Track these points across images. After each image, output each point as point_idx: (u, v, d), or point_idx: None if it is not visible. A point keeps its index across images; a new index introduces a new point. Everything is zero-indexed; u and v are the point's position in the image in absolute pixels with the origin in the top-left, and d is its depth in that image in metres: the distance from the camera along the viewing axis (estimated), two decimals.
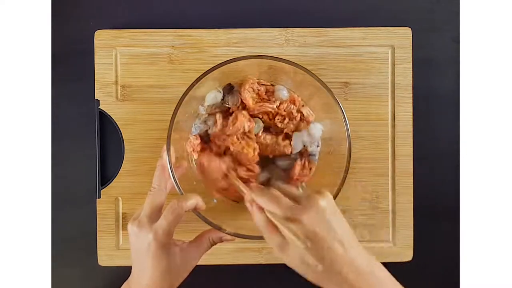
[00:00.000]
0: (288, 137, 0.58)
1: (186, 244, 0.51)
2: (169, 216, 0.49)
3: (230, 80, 0.58)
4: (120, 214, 0.61)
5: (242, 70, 0.57)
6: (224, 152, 0.58)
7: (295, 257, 0.44)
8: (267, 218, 0.46)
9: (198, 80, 0.52)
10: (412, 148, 0.62)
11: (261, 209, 0.47)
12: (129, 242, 0.50)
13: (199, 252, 0.52)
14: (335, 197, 0.52)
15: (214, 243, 0.53)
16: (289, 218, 0.44)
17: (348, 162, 0.53)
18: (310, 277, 0.45)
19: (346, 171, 0.53)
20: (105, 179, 0.61)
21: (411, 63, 0.62)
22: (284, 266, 0.62)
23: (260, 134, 0.57)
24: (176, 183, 0.51)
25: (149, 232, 0.48)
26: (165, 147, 0.52)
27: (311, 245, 0.43)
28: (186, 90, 0.52)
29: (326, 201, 0.45)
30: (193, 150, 0.57)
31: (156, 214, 0.50)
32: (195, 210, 0.51)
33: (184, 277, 0.52)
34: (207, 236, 0.52)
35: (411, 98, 0.62)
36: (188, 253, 0.51)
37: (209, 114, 0.58)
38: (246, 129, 0.56)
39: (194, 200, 0.51)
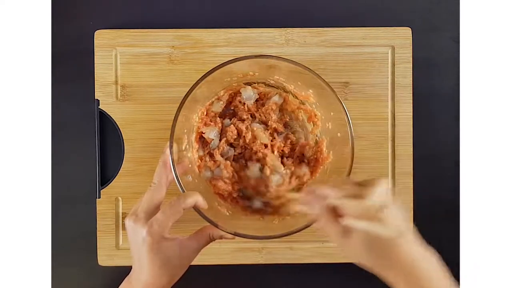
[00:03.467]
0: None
1: (185, 238, 0.51)
2: (167, 211, 0.49)
3: (229, 79, 0.58)
4: (120, 214, 0.61)
5: (242, 70, 0.57)
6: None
7: (357, 244, 0.44)
8: (327, 206, 0.46)
9: (201, 79, 0.52)
10: (412, 148, 0.62)
11: (321, 198, 0.46)
12: (127, 237, 0.50)
13: (199, 247, 0.52)
14: None
15: (213, 240, 0.53)
16: (356, 196, 0.44)
17: (351, 162, 0.53)
18: (369, 262, 0.45)
19: (349, 172, 0.53)
20: (105, 179, 0.61)
21: (411, 63, 0.62)
22: (284, 267, 0.62)
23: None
24: (178, 180, 0.52)
25: (145, 226, 0.48)
26: (168, 143, 0.52)
27: (380, 222, 0.43)
28: (189, 90, 0.52)
29: (386, 184, 0.46)
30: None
31: (154, 209, 0.50)
32: (196, 208, 0.51)
33: (183, 271, 0.52)
34: (208, 232, 0.52)
35: (411, 98, 0.62)
36: (187, 247, 0.51)
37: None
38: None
39: (195, 198, 0.51)
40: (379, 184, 0.45)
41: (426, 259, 0.44)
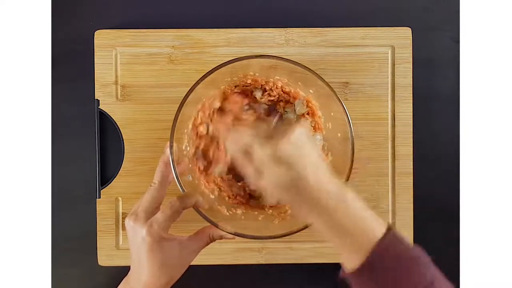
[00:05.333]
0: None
1: (185, 238, 0.51)
2: (167, 211, 0.49)
3: (229, 79, 0.58)
4: (120, 214, 0.61)
5: (242, 70, 0.57)
6: None
7: (271, 181, 0.45)
8: (244, 146, 0.47)
9: (201, 79, 0.52)
10: (412, 148, 0.62)
11: (240, 135, 0.48)
12: (127, 237, 0.50)
13: (199, 247, 0.52)
14: None
15: (214, 240, 0.53)
16: (265, 141, 0.45)
17: (351, 162, 0.53)
18: (285, 201, 0.46)
19: (350, 172, 0.53)
20: (105, 179, 0.62)
21: (411, 63, 0.62)
22: (284, 267, 0.62)
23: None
24: (178, 180, 0.52)
25: (144, 226, 0.49)
26: (168, 143, 0.52)
27: (284, 169, 0.44)
28: (189, 90, 0.52)
29: (301, 130, 0.46)
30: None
31: (154, 209, 0.50)
32: (196, 208, 0.51)
33: (183, 271, 0.52)
34: (208, 232, 0.52)
35: (411, 98, 0.62)
36: (187, 247, 0.51)
37: None
38: None
39: (194, 198, 0.51)
40: (290, 131, 0.45)
41: (342, 200, 0.44)
